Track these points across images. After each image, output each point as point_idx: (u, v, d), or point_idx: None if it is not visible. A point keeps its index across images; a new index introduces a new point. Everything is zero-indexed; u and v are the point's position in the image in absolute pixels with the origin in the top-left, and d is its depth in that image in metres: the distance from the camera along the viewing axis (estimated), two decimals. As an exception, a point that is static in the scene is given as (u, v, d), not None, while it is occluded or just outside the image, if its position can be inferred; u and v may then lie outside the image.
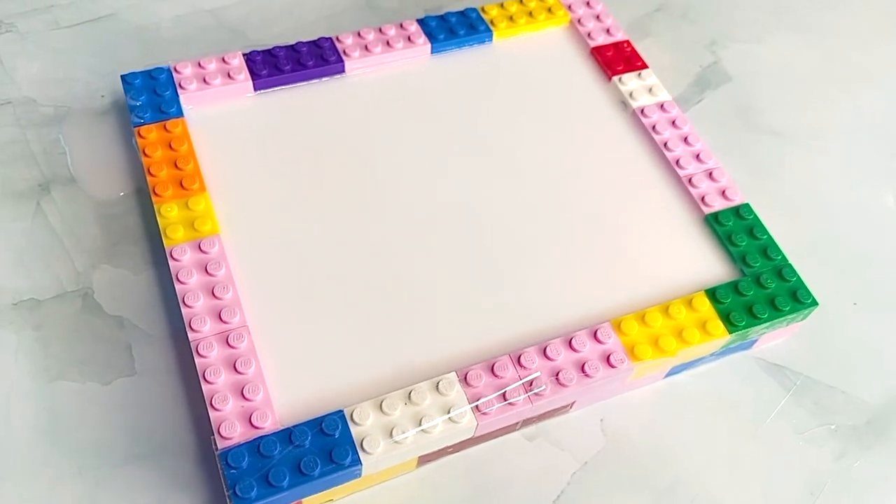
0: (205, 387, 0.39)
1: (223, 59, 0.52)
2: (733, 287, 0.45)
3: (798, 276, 0.46)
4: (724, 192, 0.49)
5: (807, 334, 0.48)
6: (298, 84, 0.53)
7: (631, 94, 0.53)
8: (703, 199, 0.49)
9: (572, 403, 0.43)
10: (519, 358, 0.41)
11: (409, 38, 0.55)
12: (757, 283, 0.45)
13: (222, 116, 0.51)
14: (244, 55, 0.52)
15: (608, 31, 0.57)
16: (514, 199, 0.49)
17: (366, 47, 0.54)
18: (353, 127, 0.51)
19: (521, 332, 0.43)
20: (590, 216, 0.48)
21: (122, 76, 0.51)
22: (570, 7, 0.58)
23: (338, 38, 0.54)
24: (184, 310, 0.41)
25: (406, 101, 0.53)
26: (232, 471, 0.37)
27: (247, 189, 0.48)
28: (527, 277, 0.46)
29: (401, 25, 0.55)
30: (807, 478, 0.43)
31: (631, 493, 0.42)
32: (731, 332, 0.44)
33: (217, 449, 0.37)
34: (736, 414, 0.45)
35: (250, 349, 0.41)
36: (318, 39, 0.54)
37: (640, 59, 0.56)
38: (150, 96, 0.50)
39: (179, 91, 0.50)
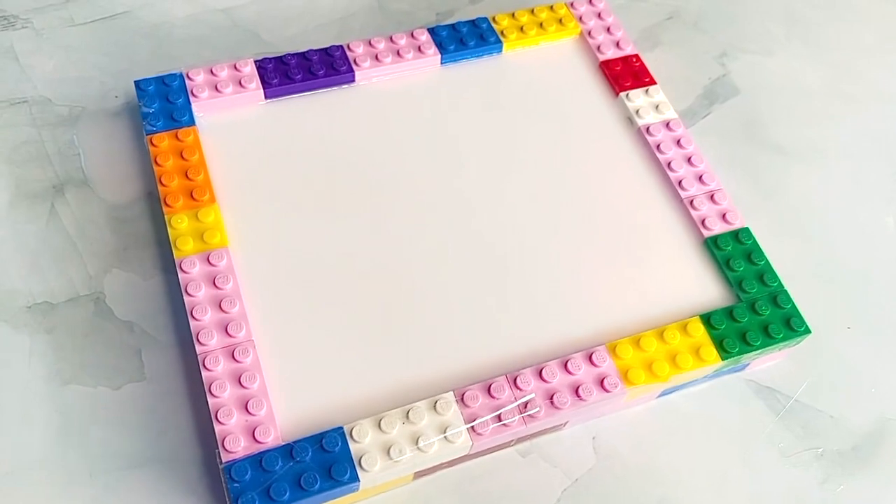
0: (211, 400, 0.41)
1: (235, 67, 0.52)
2: (728, 313, 0.46)
3: (793, 304, 0.47)
4: (724, 216, 0.50)
5: (799, 357, 0.49)
6: (308, 93, 0.53)
7: (637, 112, 0.54)
8: (703, 222, 0.50)
9: (566, 422, 0.44)
10: (515, 379, 0.43)
11: (419, 49, 0.55)
12: (752, 310, 0.46)
13: (233, 124, 0.51)
14: (256, 62, 0.53)
15: (618, 44, 0.57)
16: (516, 218, 0.50)
17: (376, 57, 0.54)
18: (361, 138, 0.52)
19: (518, 352, 0.45)
20: (590, 237, 0.49)
21: (135, 82, 0.51)
22: (580, 18, 0.58)
23: (349, 47, 0.54)
24: (192, 323, 0.43)
25: (414, 112, 0.54)
26: (235, 484, 0.38)
27: (255, 200, 0.49)
28: (526, 297, 0.47)
29: (412, 34, 0.56)
30: (792, 501, 0.45)
31: (619, 511, 0.44)
32: (723, 359, 0.45)
33: (221, 462, 0.39)
34: (725, 435, 0.46)
35: (255, 364, 0.42)
36: (330, 48, 0.54)
37: (648, 74, 0.56)
38: (163, 103, 0.50)
39: (191, 99, 0.51)
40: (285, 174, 0.50)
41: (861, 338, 0.51)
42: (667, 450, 0.46)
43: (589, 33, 0.58)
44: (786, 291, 0.47)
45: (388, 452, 0.40)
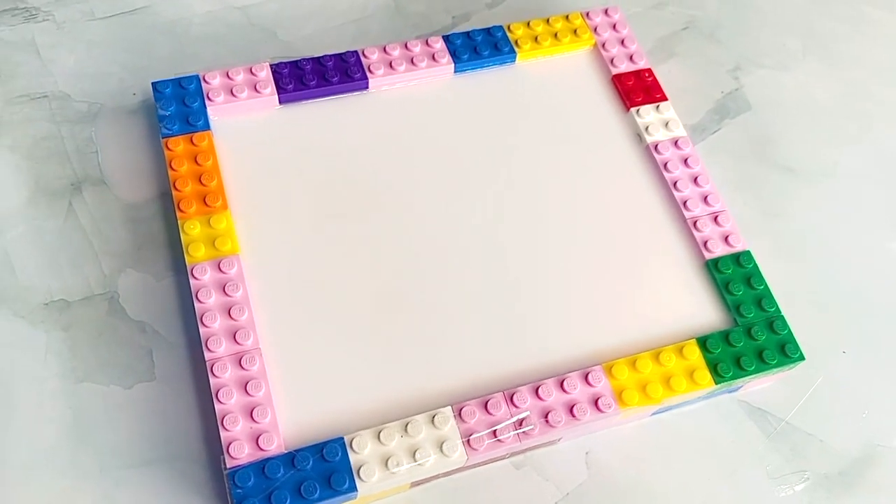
0: (218, 407, 0.42)
1: (251, 70, 0.53)
2: (724, 337, 0.47)
3: (788, 330, 0.48)
4: (727, 238, 0.51)
5: (793, 380, 0.50)
6: (322, 98, 0.54)
7: (647, 129, 0.54)
8: (705, 243, 0.50)
9: (560, 437, 0.46)
10: (512, 396, 0.44)
11: (433, 57, 0.56)
12: (747, 335, 0.47)
13: (246, 129, 0.52)
14: (271, 66, 0.54)
15: (631, 57, 0.58)
16: (520, 234, 0.51)
17: (390, 64, 0.55)
18: (373, 146, 0.53)
19: (516, 369, 0.46)
20: (593, 255, 0.50)
21: (153, 84, 0.52)
22: (595, 29, 0.59)
23: (364, 53, 0.55)
24: (202, 329, 0.44)
25: (425, 121, 0.54)
26: (238, 490, 0.40)
27: (267, 207, 0.50)
28: (525, 314, 0.48)
29: (426, 42, 0.56)
30: (775, 523, 0.46)
31: (607, 526, 0.45)
32: (717, 383, 0.46)
33: (226, 468, 0.41)
34: (715, 455, 0.48)
35: (261, 372, 0.43)
36: (345, 53, 0.55)
37: (660, 90, 0.56)
38: (179, 107, 0.51)
39: (207, 102, 0.52)
40: (296, 181, 0.51)
41: (855, 363, 0.52)
42: (658, 467, 0.47)
43: (603, 45, 0.58)
44: (782, 317, 0.48)
45: (386, 464, 0.41)
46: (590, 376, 0.45)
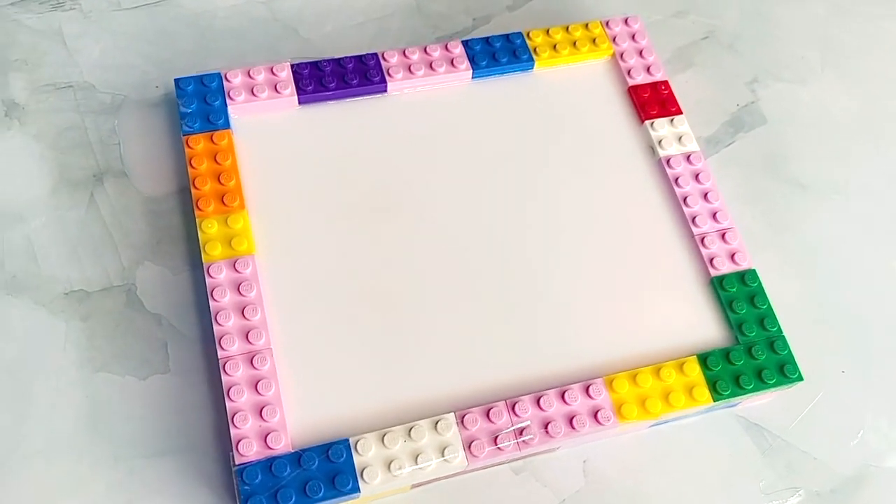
0: (229, 404, 0.44)
1: (272, 70, 0.54)
2: (724, 355, 0.48)
3: (789, 350, 0.49)
4: (733, 256, 0.51)
5: (791, 397, 0.51)
6: (341, 100, 0.55)
7: (660, 142, 0.55)
8: (711, 261, 0.51)
9: (559, 446, 0.47)
10: (514, 406, 0.45)
11: (452, 62, 0.56)
12: (748, 353, 0.48)
13: (265, 128, 0.53)
14: (292, 67, 0.54)
15: (648, 69, 0.58)
16: (531, 244, 0.52)
17: (409, 68, 0.55)
18: (389, 150, 0.54)
19: (519, 378, 0.47)
20: (600, 268, 0.51)
21: (175, 80, 0.53)
22: (614, 39, 0.59)
23: (383, 56, 0.56)
24: (216, 327, 0.46)
25: (442, 126, 0.55)
26: (245, 486, 0.42)
27: (283, 207, 0.51)
28: (530, 324, 0.49)
29: (446, 46, 0.57)
30: (765, 538, 0.47)
31: (600, 534, 0.47)
32: (715, 400, 0.47)
33: (234, 464, 0.42)
34: (711, 468, 0.49)
35: (272, 372, 0.45)
36: (365, 56, 0.56)
37: (675, 103, 0.57)
38: (201, 104, 0.52)
39: (227, 101, 0.53)
40: (313, 182, 0.52)
41: (854, 383, 0.52)
42: (653, 479, 0.48)
43: (621, 55, 0.59)
44: (783, 337, 0.49)
45: (389, 467, 0.43)
46: (591, 389, 0.46)
